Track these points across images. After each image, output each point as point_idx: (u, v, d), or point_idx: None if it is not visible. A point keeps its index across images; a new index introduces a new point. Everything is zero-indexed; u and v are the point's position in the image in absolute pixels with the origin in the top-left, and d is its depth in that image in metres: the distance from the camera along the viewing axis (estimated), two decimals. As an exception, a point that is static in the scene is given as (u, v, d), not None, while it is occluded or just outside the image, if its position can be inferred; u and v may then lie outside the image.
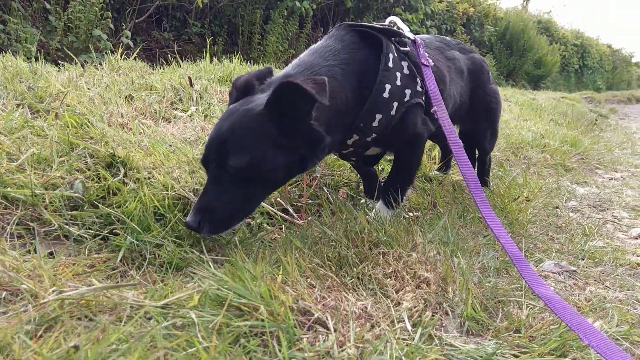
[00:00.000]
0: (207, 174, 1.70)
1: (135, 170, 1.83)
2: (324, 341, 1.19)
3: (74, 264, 1.46)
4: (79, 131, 2.00)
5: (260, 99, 1.69)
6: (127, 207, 1.66)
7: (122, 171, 1.80)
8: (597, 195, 3.53)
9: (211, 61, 4.11)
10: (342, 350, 1.18)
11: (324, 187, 2.37)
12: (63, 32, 6.36)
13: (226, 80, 3.60)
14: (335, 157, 2.65)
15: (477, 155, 3.13)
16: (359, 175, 2.63)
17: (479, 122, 2.78)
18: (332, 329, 1.23)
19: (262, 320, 1.19)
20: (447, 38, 2.62)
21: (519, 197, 2.75)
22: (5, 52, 4.21)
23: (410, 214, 2.46)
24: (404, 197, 2.23)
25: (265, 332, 1.17)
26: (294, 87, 1.53)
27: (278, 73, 1.92)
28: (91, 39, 6.49)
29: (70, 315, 1.19)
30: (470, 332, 1.48)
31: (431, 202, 2.50)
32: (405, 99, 1.99)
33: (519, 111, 6.41)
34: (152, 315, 1.24)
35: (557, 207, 2.96)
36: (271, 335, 1.18)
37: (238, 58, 4.42)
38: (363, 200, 2.46)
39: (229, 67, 3.88)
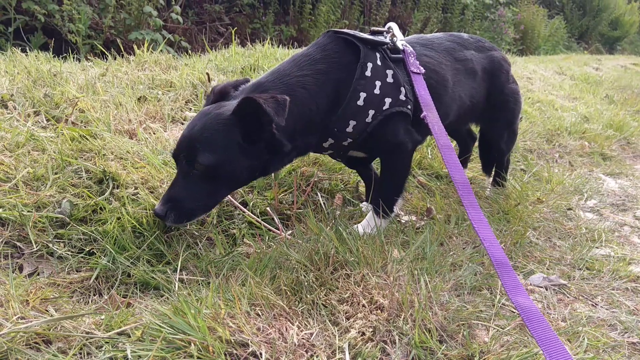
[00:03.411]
0: (177, 167, 1.90)
1: (123, 187, 1.96)
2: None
3: (52, 284, 1.62)
4: (79, 145, 2.14)
5: (231, 105, 1.86)
6: (107, 226, 1.79)
7: (110, 188, 1.93)
8: (625, 190, 3.38)
9: (252, 41, 4.14)
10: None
11: (319, 193, 2.42)
12: (115, 10, 6.60)
13: (250, 70, 3.65)
14: (335, 160, 2.68)
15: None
16: (358, 178, 2.66)
17: (495, 122, 2.73)
18: (262, 364, 1.31)
19: (192, 356, 1.29)
20: (464, 36, 2.56)
21: (519, 202, 2.69)
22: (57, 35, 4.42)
23: (405, 218, 2.47)
24: (394, 207, 2.26)
25: (195, 367, 1.27)
26: (255, 105, 1.70)
27: (253, 80, 2.04)
28: (143, 16, 6.72)
29: (27, 343, 1.33)
30: (417, 361, 1.52)
31: (427, 208, 2.50)
32: (384, 107, 2.05)
33: (569, 88, 6.08)
34: (102, 344, 1.37)
35: (570, 209, 2.88)
36: (200, 371, 1.27)
37: (269, 42, 4.47)
38: (362, 205, 2.49)
39: (254, 55, 3.92)
